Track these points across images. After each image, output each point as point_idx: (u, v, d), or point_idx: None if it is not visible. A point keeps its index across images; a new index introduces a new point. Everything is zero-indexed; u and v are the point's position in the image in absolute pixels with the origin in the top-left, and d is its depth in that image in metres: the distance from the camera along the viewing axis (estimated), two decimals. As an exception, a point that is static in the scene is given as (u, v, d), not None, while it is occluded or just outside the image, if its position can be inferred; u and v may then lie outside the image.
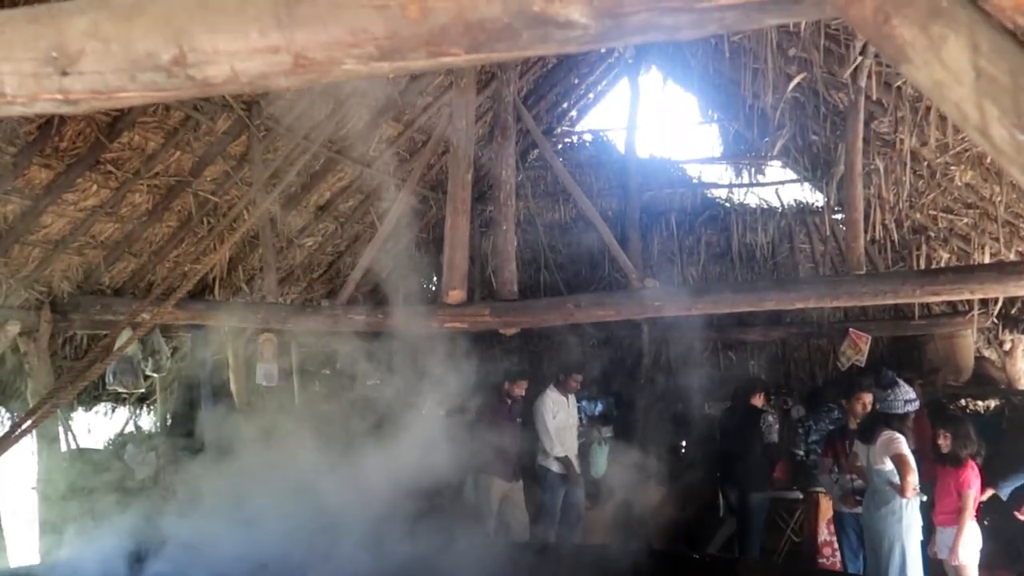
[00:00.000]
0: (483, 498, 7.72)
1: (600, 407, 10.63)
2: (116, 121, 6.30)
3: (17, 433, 2.67)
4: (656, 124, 17.96)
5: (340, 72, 1.43)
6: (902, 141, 6.70)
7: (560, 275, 10.54)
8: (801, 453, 8.44)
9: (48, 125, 5.89)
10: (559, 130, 11.97)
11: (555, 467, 8.17)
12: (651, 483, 8.51)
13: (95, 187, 6.70)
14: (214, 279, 8.60)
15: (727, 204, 11.21)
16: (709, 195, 11.30)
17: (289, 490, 5.08)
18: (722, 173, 11.39)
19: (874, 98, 6.44)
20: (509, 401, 7.97)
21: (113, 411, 9.23)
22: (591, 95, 12.16)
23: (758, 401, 8.48)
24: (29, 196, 6.30)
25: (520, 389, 7.99)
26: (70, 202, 6.65)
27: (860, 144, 6.15)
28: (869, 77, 6.03)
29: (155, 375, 8.25)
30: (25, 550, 7.21)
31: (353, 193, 9.52)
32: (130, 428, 9.20)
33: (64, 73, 1.46)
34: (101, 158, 6.47)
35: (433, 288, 10.31)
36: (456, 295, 5.67)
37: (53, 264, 6.96)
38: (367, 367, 7.57)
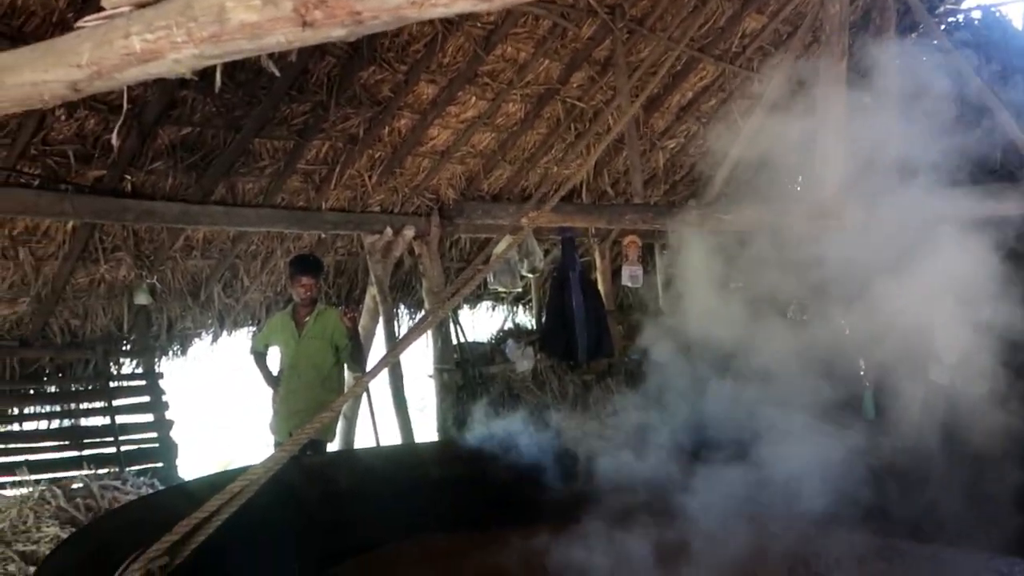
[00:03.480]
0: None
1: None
2: (490, 34, 6.63)
3: (422, 327, 2.95)
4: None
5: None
6: None
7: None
8: None
9: (432, 43, 6.34)
10: (942, 9, 10.81)
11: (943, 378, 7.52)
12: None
13: (474, 99, 7.15)
14: (581, 183, 8.90)
15: None
16: None
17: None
18: None
19: None
20: None
21: (493, 309, 9.98)
22: (981, -34, 10.83)
23: None
24: (418, 111, 6.87)
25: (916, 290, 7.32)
26: (452, 114, 7.16)
27: None
28: None
29: (530, 275, 8.77)
30: (421, 432, 8.01)
31: (715, 92, 9.32)
32: (509, 325, 9.91)
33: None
34: (478, 71, 6.87)
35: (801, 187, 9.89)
36: (831, 190, 5.38)
37: (439, 173, 7.56)
38: (734, 269, 7.46)
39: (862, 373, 7.56)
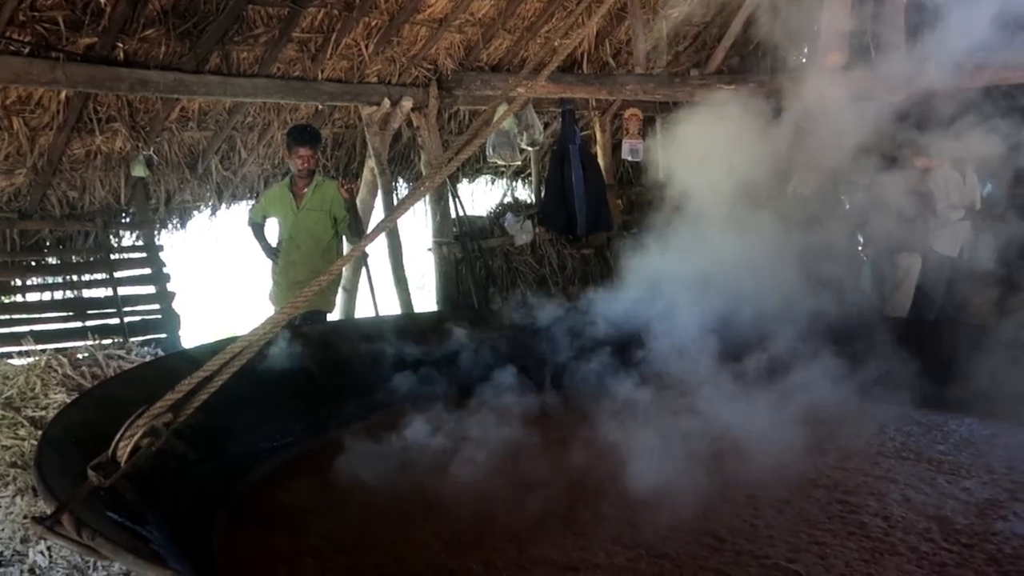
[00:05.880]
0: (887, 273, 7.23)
1: (989, 188, 9.55)
2: None
3: (413, 197, 2.95)
4: None
5: None
6: None
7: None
8: None
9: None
10: None
11: (937, 245, 7.48)
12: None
13: (474, -37, 6.94)
14: (582, 54, 8.72)
15: None
16: None
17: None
18: None
19: None
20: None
21: (492, 183, 9.94)
22: None
23: None
24: (416, -25, 6.67)
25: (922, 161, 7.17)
26: (451, -20, 6.96)
27: None
28: None
29: (529, 148, 8.69)
30: (418, 303, 8.05)
31: (721, -43, 9.03)
32: (508, 199, 9.89)
33: None
34: (477, -67, 6.65)
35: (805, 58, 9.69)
36: (835, 58, 5.31)
37: (437, 43, 7.39)
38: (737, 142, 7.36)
39: (860, 248, 7.57)
